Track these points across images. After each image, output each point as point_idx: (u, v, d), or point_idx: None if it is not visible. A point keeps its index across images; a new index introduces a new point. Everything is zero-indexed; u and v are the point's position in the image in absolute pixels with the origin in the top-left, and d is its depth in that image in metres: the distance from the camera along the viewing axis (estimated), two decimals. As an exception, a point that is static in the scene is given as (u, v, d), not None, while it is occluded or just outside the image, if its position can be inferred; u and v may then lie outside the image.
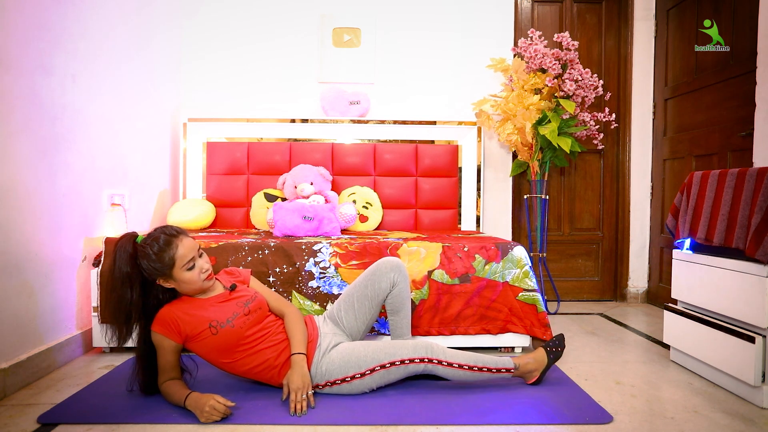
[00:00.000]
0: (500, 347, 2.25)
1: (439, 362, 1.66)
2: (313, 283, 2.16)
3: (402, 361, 1.66)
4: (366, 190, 3.01)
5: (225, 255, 2.15)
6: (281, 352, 1.66)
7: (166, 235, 1.59)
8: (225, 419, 1.50)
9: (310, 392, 1.58)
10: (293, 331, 1.69)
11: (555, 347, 1.84)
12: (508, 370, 1.73)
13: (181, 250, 1.57)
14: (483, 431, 1.48)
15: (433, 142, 3.18)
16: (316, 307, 2.15)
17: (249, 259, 2.16)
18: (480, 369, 1.69)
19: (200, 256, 1.64)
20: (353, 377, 1.66)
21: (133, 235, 1.61)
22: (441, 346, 1.70)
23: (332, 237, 2.44)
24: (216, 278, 1.73)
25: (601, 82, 2.99)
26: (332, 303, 2.13)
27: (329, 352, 1.70)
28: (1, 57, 1.72)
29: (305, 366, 1.61)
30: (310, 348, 1.69)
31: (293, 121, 3.16)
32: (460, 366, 1.67)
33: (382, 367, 1.65)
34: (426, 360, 1.65)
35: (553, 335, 2.17)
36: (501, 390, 1.76)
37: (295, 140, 3.15)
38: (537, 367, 1.79)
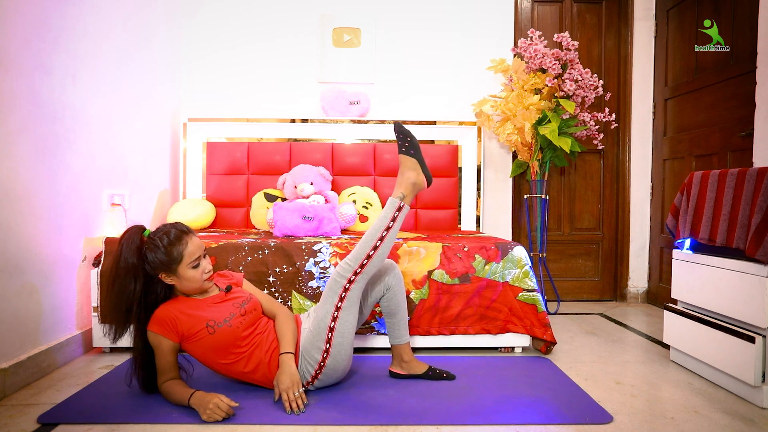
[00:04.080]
0: (500, 347, 2.25)
1: (362, 266, 1.64)
2: (313, 283, 2.16)
3: (340, 299, 1.64)
4: (366, 190, 3.01)
5: (225, 255, 2.15)
6: (273, 353, 1.67)
7: (178, 231, 1.60)
8: (227, 419, 1.50)
9: (301, 390, 1.58)
10: (283, 331, 1.69)
11: (403, 142, 1.74)
12: (400, 208, 1.67)
13: (190, 248, 1.58)
14: (483, 431, 1.48)
15: (433, 142, 3.18)
16: (316, 307, 2.15)
17: (249, 259, 2.16)
18: (387, 228, 1.65)
19: (204, 256, 1.64)
20: (323, 359, 1.64)
21: (141, 228, 1.61)
22: (354, 254, 1.66)
23: (332, 237, 2.44)
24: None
25: (601, 82, 2.99)
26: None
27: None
28: (1, 57, 1.72)
29: (293, 365, 1.61)
30: (296, 347, 1.69)
31: (293, 121, 3.16)
32: (375, 247, 1.64)
33: (332, 323, 1.64)
34: (352, 279, 1.64)
35: (556, 339, 2.17)
36: (501, 390, 1.76)
37: (295, 140, 3.15)
38: (411, 172, 1.71)
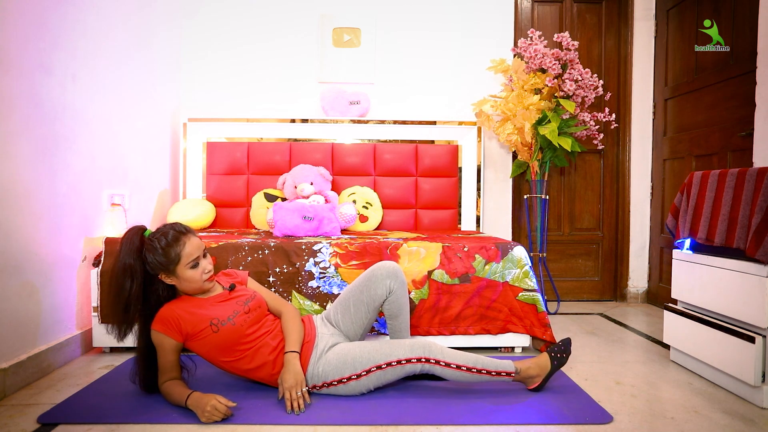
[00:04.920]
0: (500, 347, 2.24)
1: (437, 362, 1.63)
2: (313, 283, 2.16)
3: (399, 362, 1.64)
4: (366, 190, 3.01)
5: (225, 255, 2.15)
6: (278, 351, 1.66)
7: (175, 232, 1.60)
8: (226, 419, 1.50)
9: (304, 389, 1.58)
10: (289, 329, 1.69)
11: (560, 353, 1.78)
12: (508, 374, 1.68)
13: (188, 248, 1.58)
14: (483, 431, 1.47)
15: (433, 142, 3.18)
16: (316, 307, 2.15)
17: (249, 259, 2.16)
18: (479, 371, 1.66)
19: (204, 256, 1.65)
20: (350, 378, 1.65)
21: (141, 228, 1.61)
22: (439, 346, 1.68)
23: (332, 237, 2.44)
24: (215, 280, 1.74)
25: (601, 82, 2.99)
26: (332, 303, 2.12)
27: (326, 353, 1.69)
28: (1, 57, 1.72)
29: (298, 364, 1.61)
30: (307, 348, 1.69)
31: (293, 121, 3.16)
32: (459, 367, 1.64)
33: (378, 368, 1.64)
34: (423, 360, 1.63)
35: (556, 338, 2.17)
36: (501, 390, 1.76)
37: (295, 140, 3.15)
38: (539, 372, 1.74)
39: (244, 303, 1.68)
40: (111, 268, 1.57)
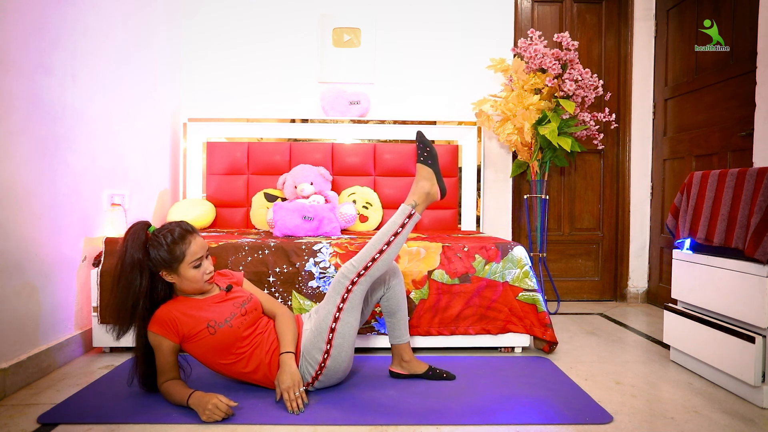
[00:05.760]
0: (500, 347, 2.24)
1: (366, 268, 1.64)
2: (313, 283, 2.16)
3: (342, 300, 1.63)
4: (366, 190, 3.01)
5: (225, 255, 2.15)
6: (273, 353, 1.66)
7: (182, 229, 1.60)
8: (226, 419, 1.50)
9: (302, 389, 1.58)
10: (283, 330, 1.69)
11: (422, 151, 1.75)
12: (411, 215, 1.68)
13: (193, 247, 1.58)
14: (483, 431, 1.48)
15: (433, 142, 3.16)
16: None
17: (249, 259, 2.16)
18: (395, 234, 1.66)
19: (206, 257, 1.64)
20: (324, 360, 1.64)
21: (146, 224, 1.61)
22: (359, 256, 1.67)
23: (332, 237, 2.44)
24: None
25: (601, 82, 2.99)
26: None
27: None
28: (1, 57, 1.72)
29: (293, 364, 1.61)
30: (297, 347, 1.69)
31: (293, 121, 3.16)
32: (381, 251, 1.65)
33: (334, 324, 1.63)
34: (355, 281, 1.64)
35: (557, 338, 2.17)
36: (501, 390, 1.76)
37: (295, 140, 3.15)
38: (426, 182, 1.72)
39: (241, 305, 1.68)
40: (117, 264, 1.56)
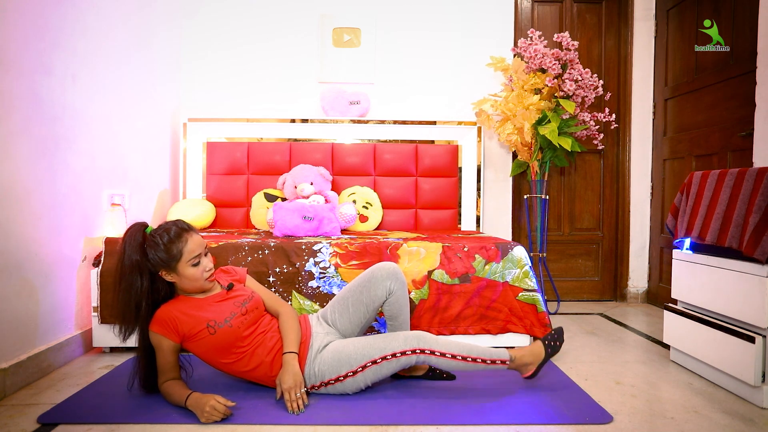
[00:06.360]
0: (500, 347, 2.24)
1: (432, 353, 1.62)
2: (313, 283, 2.16)
3: (393, 355, 1.63)
4: (366, 190, 3.01)
5: (225, 255, 2.15)
6: (276, 352, 1.66)
7: (178, 228, 1.60)
8: (225, 419, 1.50)
9: (303, 390, 1.58)
10: (287, 330, 1.69)
11: (553, 341, 1.79)
12: (503, 362, 1.68)
13: (190, 245, 1.58)
14: (483, 431, 1.48)
15: (433, 142, 3.18)
16: (316, 307, 2.15)
17: (249, 259, 2.16)
18: (474, 360, 1.65)
19: (206, 255, 1.64)
20: (346, 375, 1.64)
21: (143, 225, 1.61)
22: (433, 336, 1.67)
23: (332, 237, 2.44)
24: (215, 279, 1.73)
25: (601, 82, 2.99)
26: (329, 302, 2.12)
27: (321, 352, 1.69)
28: (1, 57, 1.72)
29: (296, 365, 1.60)
30: (303, 348, 1.68)
31: (293, 121, 3.16)
32: (454, 356, 1.63)
33: (374, 362, 1.63)
34: (418, 351, 1.62)
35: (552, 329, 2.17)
36: (501, 390, 1.76)
37: (295, 140, 3.15)
38: (533, 360, 1.75)
39: (242, 304, 1.68)
40: (117, 267, 1.57)
